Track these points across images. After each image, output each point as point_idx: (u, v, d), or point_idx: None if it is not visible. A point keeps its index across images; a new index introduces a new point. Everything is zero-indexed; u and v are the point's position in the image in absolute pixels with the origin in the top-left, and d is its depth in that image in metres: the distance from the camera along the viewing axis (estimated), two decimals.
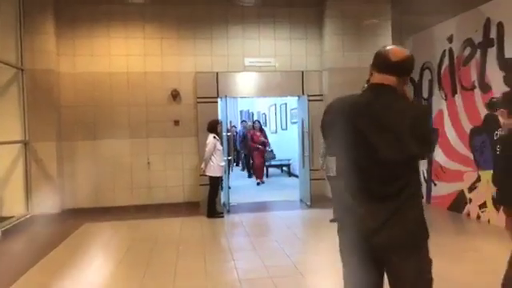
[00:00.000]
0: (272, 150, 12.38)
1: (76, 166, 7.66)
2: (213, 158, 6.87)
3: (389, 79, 1.98)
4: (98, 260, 5.10)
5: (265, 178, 11.29)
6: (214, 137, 6.92)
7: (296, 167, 11.73)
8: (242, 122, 14.06)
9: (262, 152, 10.87)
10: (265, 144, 10.98)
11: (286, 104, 12.77)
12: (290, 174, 12.28)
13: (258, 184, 10.55)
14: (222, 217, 7.01)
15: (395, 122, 1.85)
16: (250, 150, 11.28)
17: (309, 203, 7.74)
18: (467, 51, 6.56)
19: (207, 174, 6.95)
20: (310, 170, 7.81)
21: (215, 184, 7.02)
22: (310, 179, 7.81)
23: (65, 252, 5.38)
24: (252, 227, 6.36)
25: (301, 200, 8.37)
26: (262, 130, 11.24)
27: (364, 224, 1.90)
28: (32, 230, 6.53)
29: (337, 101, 2.12)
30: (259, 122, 11.90)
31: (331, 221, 6.47)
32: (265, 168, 11.57)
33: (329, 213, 6.87)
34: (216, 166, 6.89)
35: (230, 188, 9.18)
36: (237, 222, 6.71)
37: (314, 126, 7.99)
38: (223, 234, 6.09)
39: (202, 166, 6.99)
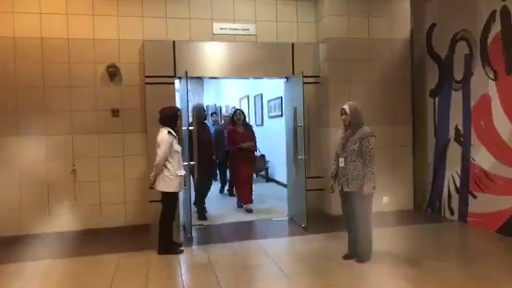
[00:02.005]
0: (264, 156, 8.86)
1: None
2: (167, 164, 4.54)
3: None
4: None
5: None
6: (170, 132, 4.58)
7: (276, 171, 9.62)
8: (211, 114, 9.73)
9: (249, 159, 6.87)
10: (252, 147, 6.90)
11: (261, 95, 10.62)
12: (268, 179, 10.08)
13: (250, 211, 6.54)
14: (181, 252, 4.68)
15: None
16: (226, 156, 7.34)
17: (304, 225, 5.54)
18: None
19: (158, 188, 4.60)
20: (306, 177, 5.62)
21: (170, 204, 4.66)
22: (306, 190, 5.62)
23: None
24: (228, 274, 4.05)
25: (291, 218, 6.18)
26: (247, 125, 7.13)
27: None
28: None
29: None
30: (242, 111, 7.07)
31: (345, 258, 4.31)
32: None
33: (338, 241, 4.73)
34: (172, 176, 4.55)
35: (205, 217, 6.27)
36: (203, 262, 4.39)
37: (310, 117, 5.80)
38: None
39: (152, 175, 4.64)
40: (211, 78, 6.27)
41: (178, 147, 4.63)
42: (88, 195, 5.50)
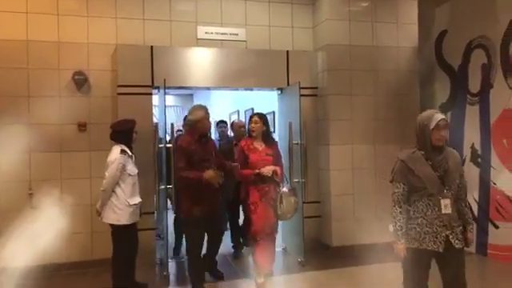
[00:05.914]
0: (294, 189, 4.23)
1: None
2: (117, 189, 3.77)
3: None
4: None
5: None
6: (123, 151, 3.82)
7: None
8: (218, 123, 6.15)
9: (271, 195, 4.07)
10: (276, 174, 4.07)
11: (252, 109, 9.92)
12: None
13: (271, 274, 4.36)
14: None
15: None
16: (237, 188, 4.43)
17: (301, 259, 4.77)
18: None
19: (105, 220, 3.83)
20: (303, 202, 4.87)
21: (122, 239, 3.85)
22: (303, 217, 4.87)
23: None
24: None
25: (284, 249, 5.41)
26: (272, 140, 4.33)
27: None
28: None
29: None
30: (263, 116, 4.23)
31: None
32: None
33: (342, 280, 3.97)
34: (122, 205, 3.77)
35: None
36: None
37: (307, 134, 5.08)
38: None
39: (98, 204, 3.86)
40: (193, 88, 5.52)
41: (133, 170, 3.86)
42: (47, 224, 4.67)
